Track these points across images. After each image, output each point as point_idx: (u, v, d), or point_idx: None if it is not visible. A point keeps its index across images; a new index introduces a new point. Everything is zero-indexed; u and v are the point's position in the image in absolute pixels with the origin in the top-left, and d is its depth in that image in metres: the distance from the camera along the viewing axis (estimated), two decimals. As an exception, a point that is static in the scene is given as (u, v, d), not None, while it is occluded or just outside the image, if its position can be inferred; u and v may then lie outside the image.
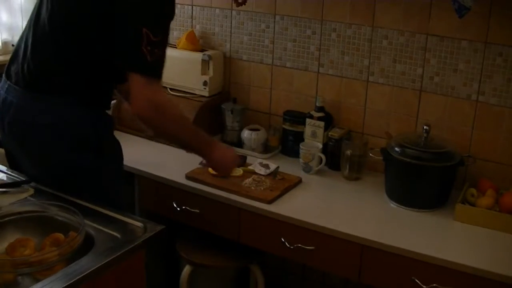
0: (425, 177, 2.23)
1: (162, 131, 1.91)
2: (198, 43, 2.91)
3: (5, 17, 3.28)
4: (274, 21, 2.68)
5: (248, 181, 2.34)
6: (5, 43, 3.30)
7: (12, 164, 2.03)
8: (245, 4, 2.40)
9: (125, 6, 1.67)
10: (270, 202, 2.21)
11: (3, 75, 1.95)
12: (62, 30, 1.78)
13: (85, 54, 1.79)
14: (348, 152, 2.46)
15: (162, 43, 1.72)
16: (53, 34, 1.80)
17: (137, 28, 1.66)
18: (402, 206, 2.25)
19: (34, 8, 1.90)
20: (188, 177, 2.38)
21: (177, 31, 3.02)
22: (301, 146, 2.53)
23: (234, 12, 2.77)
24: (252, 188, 2.30)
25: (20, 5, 3.33)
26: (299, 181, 2.41)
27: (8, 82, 1.90)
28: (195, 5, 2.95)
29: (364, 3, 2.41)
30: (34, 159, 1.90)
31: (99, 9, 1.71)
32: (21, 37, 1.92)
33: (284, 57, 2.70)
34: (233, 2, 2.42)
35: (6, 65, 1.95)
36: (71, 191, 1.82)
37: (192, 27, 2.98)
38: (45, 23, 1.81)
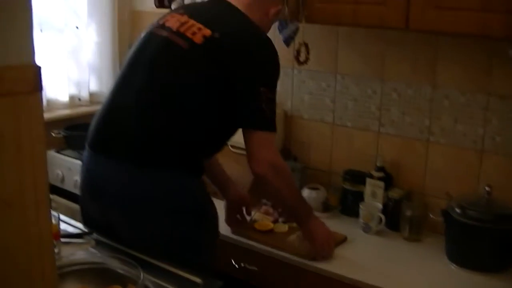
0: (487, 239, 2.37)
1: (274, 190, 2.19)
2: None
3: (73, 73, 3.64)
4: (335, 80, 2.94)
5: (292, 237, 2.53)
6: (72, 98, 3.69)
7: (87, 222, 2.26)
8: (306, 63, 2.65)
9: (246, 71, 2.04)
10: (313, 259, 2.41)
11: (89, 146, 2.20)
12: (176, 100, 2.04)
13: (198, 123, 2.07)
14: (408, 212, 2.63)
15: (275, 99, 2.12)
16: (166, 105, 2.05)
17: (258, 88, 2.04)
18: (463, 269, 2.38)
19: (123, 76, 2.17)
20: (233, 231, 2.63)
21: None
22: (360, 206, 2.71)
23: (295, 71, 3.05)
24: (296, 244, 2.48)
25: (88, 61, 3.69)
26: (344, 239, 2.59)
27: (102, 154, 2.12)
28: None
29: (425, 63, 2.64)
30: (136, 228, 2.10)
31: (216, 76, 2.03)
32: (110, 107, 2.15)
33: (344, 116, 2.94)
34: (294, 60, 2.67)
35: (92, 136, 2.20)
36: (171, 259, 1.96)
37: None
38: (153, 95, 2.06)
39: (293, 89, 3.14)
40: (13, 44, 1.04)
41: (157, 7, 3.63)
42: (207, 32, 2.05)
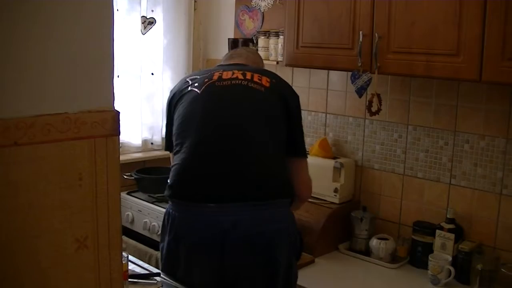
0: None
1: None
2: (330, 150, 3.43)
3: (147, 117, 3.98)
4: (407, 131, 3.16)
5: None
6: (144, 141, 4.00)
7: (170, 269, 2.52)
8: (378, 114, 2.89)
9: (295, 104, 2.60)
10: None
11: (174, 197, 2.50)
12: (268, 140, 2.50)
13: (281, 153, 2.54)
14: (479, 266, 2.78)
15: None
16: (262, 146, 2.48)
17: (301, 119, 2.62)
18: (534, 325, 2.49)
19: (202, 125, 2.48)
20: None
21: (310, 138, 3.57)
22: (430, 258, 2.88)
23: (367, 121, 3.29)
24: None
25: (162, 107, 4.03)
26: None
27: (204, 203, 2.41)
28: (329, 113, 3.51)
29: (499, 115, 2.83)
30: (256, 263, 2.43)
31: (282, 108, 2.55)
32: (199, 156, 2.46)
33: (415, 167, 3.14)
34: (366, 111, 2.91)
35: (170, 187, 2.49)
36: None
37: (325, 135, 3.53)
38: (248, 140, 2.46)
39: (364, 139, 3.37)
40: (95, 90, 1.16)
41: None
42: (267, 78, 2.57)
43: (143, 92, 3.99)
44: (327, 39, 2.98)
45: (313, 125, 3.62)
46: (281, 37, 3.45)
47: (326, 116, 3.56)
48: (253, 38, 3.81)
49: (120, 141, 3.54)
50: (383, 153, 3.30)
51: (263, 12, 3.83)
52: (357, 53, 2.79)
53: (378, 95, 2.87)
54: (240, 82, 2.52)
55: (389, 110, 3.21)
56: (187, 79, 2.63)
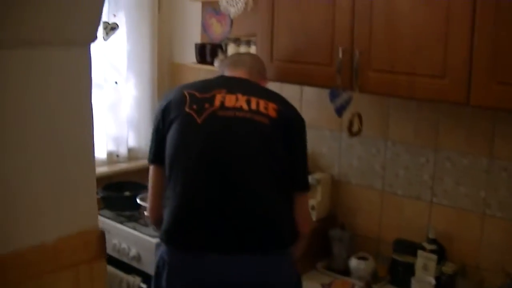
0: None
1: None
2: (305, 164, 3.26)
3: (112, 128, 3.79)
4: (386, 146, 3.03)
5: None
6: (109, 154, 3.81)
7: None
8: (359, 135, 2.76)
9: (302, 136, 2.46)
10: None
11: (170, 244, 2.35)
12: (273, 184, 2.34)
13: (286, 198, 2.40)
14: (463, 288, 2.67)
15: None
16: (266, 193, 2.32)
17: (306, 152, 2.47)
18: None
19: (200, 162, 2.32)
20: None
21: (283, 150, 3.40)
22: (412, 281, 2.79)
23: (343, 134, 3.14)
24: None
25: (127, 116, 3.83)
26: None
27: (203, 253, 2.28)
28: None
29: (481, 134, 2.71)
30: None
31: (290, 143, 2.38)
32: (194, 200, 2.32)
33: (395, 183, 3.02)
34: (347, 131, 2.76)
35: (167, 231, 2.35)
36: None
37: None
38: (249, 177, 2.30)
39: (340, 153, 3.23)
40: (75, 210, 1.03)
41: (198, 62, 3.78)
42: (274, 105, 2.36)
43: (106, 102, 3.78)
44: (304, 54, 2.81)
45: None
46: (253, 46, 3.27)
47: (300, 127, 3.40)
48: (222, 44, 3.62)
49: None
50: (361, 168, 3.16)
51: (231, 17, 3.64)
52: (336, 70, 2.64)
53: (359, 115, 2.72)
54: (244, 114, 2.32)
55: (367, 124, 3.06)
56: (185, 92, 2.40)
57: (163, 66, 4.11)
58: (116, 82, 3.83)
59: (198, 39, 3.93)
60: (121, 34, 3.79)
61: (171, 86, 4.16)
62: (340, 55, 2.62)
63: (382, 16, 2.51)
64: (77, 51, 1.17)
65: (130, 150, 3.92)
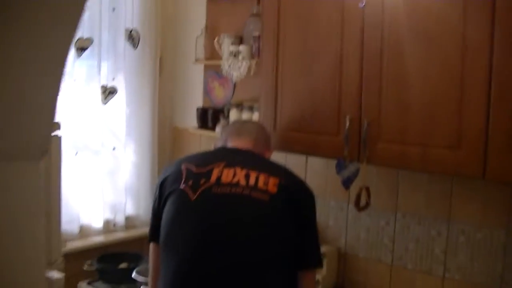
0: None
1: None
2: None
3: (109, 196, 3.64)
4: (395, 218, 2.87)
5: None
6: (106, 222, 3.65)
7: None
8: (367, 209, 2.60)
9: (310, 210, 2.27)
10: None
11: None
12: (271, 255, 2.14)
13: (288, 278, 2.19)
14: None
15: None
16: (257, 273, 2.11)
17: (316, 226, 2.29)
18: None
19: (190, 242, 2.13)
20: None
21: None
22: None
23: (350, 205, 2.98)
24: None
25: (125, 183, 3.69)
26: None
27: None
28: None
29: (498, 206, 2.55)
30: None
31: (293, 220, 2.18)
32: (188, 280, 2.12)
33: (405, 257, 2.86)
34: (354, 206, 2.61)
35: None
36: None
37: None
38: (246, 256, 2.10)
39: (347, 225, 3.07)
40: None
41: (199, 127, 3.67)
42: (275, 180, 2.18)
43: (104, 168, 3.65)
44: (309, 123, 2.69)
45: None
46: (256, 112, 3.14)
47: (304, 196, 3.25)
48: (224, 109, 3.51)
49: (80, 224, 3.24)
50: (369, 241, 3.00)
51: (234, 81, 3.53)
52: (343, 140, 2.50)
53: (367, 188, 2.57)
54: (241, 191, 2.15)
55: (375, 195, 2.91)
56: (182, 166, 2.28)
57: (164, 131, 4.00)
58: (114, 148, 3.70)
59: (200, 103, 3.83)
60: (120, 98, 3.69)
61: (173, 152, 4.05)
62: (348, 124, 2.49)
63: (392, 83, 2.39)
64: (26, 166, 1.04)
65: (127, 218, 3.76)
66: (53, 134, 2.68)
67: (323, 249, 2.98)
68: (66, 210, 3.45)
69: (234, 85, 3.57)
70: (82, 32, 3.46)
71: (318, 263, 2.25)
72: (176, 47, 4.02)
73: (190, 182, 2.20)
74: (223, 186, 2.16)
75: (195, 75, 3.88)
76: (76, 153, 3.50)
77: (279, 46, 2.79)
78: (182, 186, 2.21)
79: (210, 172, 2.21)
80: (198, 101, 3.85)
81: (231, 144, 2.47)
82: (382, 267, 2.95)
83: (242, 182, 2.16)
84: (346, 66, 2.54)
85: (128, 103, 3.74)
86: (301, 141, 2.73)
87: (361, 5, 2.44)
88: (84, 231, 3.55)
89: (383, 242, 2.95)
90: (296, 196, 2.20)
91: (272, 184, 2.16)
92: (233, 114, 3.37)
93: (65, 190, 3.45)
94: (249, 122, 2.83)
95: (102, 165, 3.63)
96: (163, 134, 3.98)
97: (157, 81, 3.88)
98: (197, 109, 3.68)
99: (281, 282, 2.14)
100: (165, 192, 2.26)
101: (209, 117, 3.60)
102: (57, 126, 2.66)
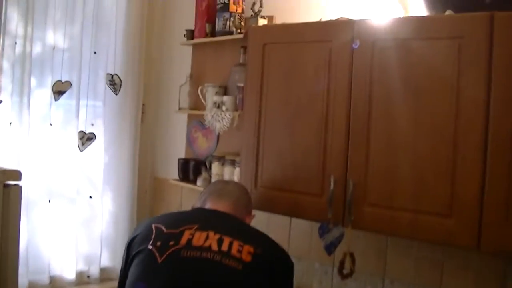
0: None
1: None
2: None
3: (83, 246, 3.46)
4: (383, 285, 2.67)
5: None
6: (80, 274, 3.47)
7: None
8: (351, 277, 2.39)
9: (287, 282, 2.11)
10: None
11: None
12: None
13: None
14: None
15: None
16: None
17: None
18: None
19: None
20: None
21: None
22: None
23: (335, 269, 2.75)
24: None
25: (101, 233, 3.51)
26: None
27: None
28: (291, 255, 2.98)
29: (492, 275, 2.37)
30: None
31: None
32: None
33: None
34: (338, 273, 2.41)
35: None
36: None
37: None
38: None
39: (332, 291, 2.87)
40: None
41: (180, 180, 3.49)
42: (250, 248, 2.02)
43: (79, 217, 3.45)
44: (292, 182, 2.50)
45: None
46: (238, 168, 2.96)
47: (288, 257, 3.04)
48: (206, 161, 3.32)
49: (51, 275, 3.02)
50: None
51: (218, 133, 3.36)
52: (327, 202, 2.32)
53: (352, 254, 2.37)
54: (212, 256, 1.96)
55: (361, 259, 2.71)
56: (153, 226, 2.12)
57: (144, 180, 3.81)
58: (90, 197, 3.51)
59: (182, 154, 3.65)
60: (98, 144, 3.51)
61: (153, 201, 3.86)
62: (332, 185, 2.31)
63: (380, 141, 2.22)
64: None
65: (102, 270, 3.54)
66: (13, 183, 2.52)
67: (305, 316, 2.78)
68: (35, 260, 3.27)
69: (218, 137, 3.40)
70: (60, 74, 3.30)
71: None
72: (159, 94, 3.87)
73: (159, 243, 2.03)
74: (193, 250, 1.98)
75: (178, 124, 3.71)
76: (49, 200, 3.30)
77: (262, 98, 2.62)
78: (150, 246, 2.04)
79: (181, 234, 2.04)
80: (180, 151, 3.67)
81: (209, 205, 2.32)
82: None
83: (214, 247, 1.98)
84: (332, 121, 2.37)
85: (106, 149, 3.56)
86: (282, 201, 2.54)
87: (354, 46, 2.28)
88: (55, 282, 3.34)
89: (370, 313, 2.74)
90: (271, 266, 2.04)
91: (246, 252, 1.99)
92: (215, 168, 3.19)
93: (35, 238, 3.27)
94: (231, 183, 2.62)
95: (77, 214, 3.43)
96: (143, 184, 3.80)
97: (139, 128, 3.70)
98: (179, 160, 3.50)
99: None
100: (132, 252, 2.10)
101: (190, 169, 3.41)
102: (16, 175, 2.48)
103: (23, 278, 3.22)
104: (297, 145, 2.48)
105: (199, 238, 2.01)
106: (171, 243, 2.01)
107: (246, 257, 1.97)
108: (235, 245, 2.00)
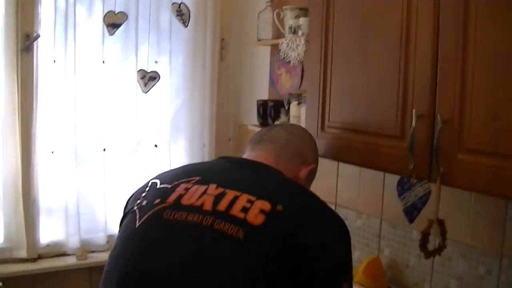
0: None
1: None
2: (383, 277, 2.27)
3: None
4: (500, 265, 1.92)
5: None
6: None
7: None
8: (439, 255, 1.68)
9: (326, 258, 1.37)
10: None
11: None
12: None
13: None
14: None
15: None
16: None
17: (341, 285, 1.36)
18: None
19: None
20: None
21: (359, 251, 2.40)
22: None
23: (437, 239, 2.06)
24: None
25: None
26: None
27: None
28: (385, 220, 2.32)
29: None
30: None
31: (286, 269, 1.30)
32: None
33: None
34: (420, 249, 1.71)
35: None
36: None
37: (378, 251, 2.33)
38: None
39: (433, 267, 2.16)
40: None
41: (260, 125, 2.89)
42: (265, 204, 1.34)
43: (140, 169, 3.00)
44: (365, 121, 1.83)
45: (362, 234, 2.44)
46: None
47: (381, 223, 2.37)
48: (285, 102, 2.70)
49: (108, 234, 2.47)
50: (464, 294, 2.07)
51: (302, 66, 2.71)
52: (408, 147, 1.62)
53: (441, 223, 1.66)
54: (200, 220, 1.34)
55: (471, 228, 1.99)
56: (150, 181, 1.56)
57: (226, 127, 3.26)
58: (156, 145, 3.02)
59: (265, 95, 3.05)
60: (164, 86, 3.00)
61: (238, 153, 3.30)
62: (414, 122, 1.61)
63: (482, 62, 1.47)
64: None
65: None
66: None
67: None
68: (88, 217, 2.87)
69: (302, 72, 2.76)
70: (113, 4, 2.80)
71: None
72: (240, 26, 3.26)
73: (144, 202, 1.46)
74: (179, 210, 1.39)
75: (262, 61, 3.10)
76: (104, 149, 2.88)
77: (329, 20, 1.96)
78: (135, 207, 1.48)
79: (173, 189, 1.46)
80: (263, 92, 3.07)
81: (245, 156, 1.71)
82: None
83: (207, 206, 1.36)
84: (414, 38, 1.65)
85: (177, 91, 3.07)
86: (354, 146, 1.87)
87: None
88: (113, 243, 2.90)
89: (484, 298, 2.01)
90: (299, 233, 1.33)
91: (256, 210, 1.33)
92: (293, 109, 2.57)
93: (87, 193, 2.86)
94: (283, 126, 1.93)
95: (138, 165, 2.98)
96: (225, 132, 3.26)
97: (216, 67, 3.14)
98: (257, 102, 2.91)
99: None
100: (123, 214, 1.57)
101: (269, 112, 2.81)
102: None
103: (73, 236, 2.84)
104: (370, 75, 1.79)
105: (192, 194, 1.41)
106: (157, 201, 1.43)
107: (255, 218, 1.31)
108: (241, 200, 1.35)
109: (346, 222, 2.41)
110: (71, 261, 2.86)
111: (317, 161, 1.81)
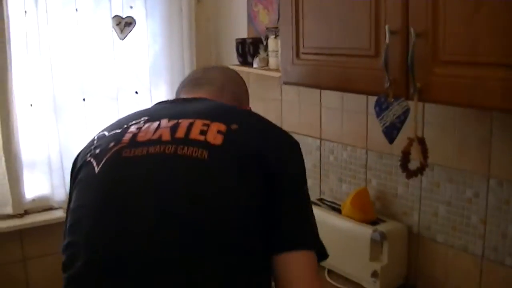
0: None
1: None
2: (371, 208, 2.23)
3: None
4: (487, 187, 1.87)
5: None
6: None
7: None
8: (421, 174, 1.63)
9: (287, 164, 1.39)
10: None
11: None
12: (214, 233, 1.28)
13: (245, 259, 1.32)
14: None
15: None
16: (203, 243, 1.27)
17: (304, 188, 1.42)
18: None
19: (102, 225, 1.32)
20: None
21: (346, 184, 2.35)
22: None
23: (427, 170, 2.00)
24: None
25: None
26: None
27: None
28: (370, 150, 2.27)
29: None
30: None
31: (253, 182, 1.33)
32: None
33: (502, 248, 1.85)
34: (401, 169, 1.65)
35: None
36: None
37: (365, 182, 2.28)
38: (181, 236, 1.26)
39: (421, 194, 2.11)
40: None
41: (240, 64, 2.82)
42: (221, 126, 1.36)
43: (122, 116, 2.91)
44: (339, 42, 1.75)
45: (348, 167, 2.39)
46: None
47: (367, 153, 2.31)
48: (263, 38, 2.62)
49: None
50: (451, 219, 2.02)
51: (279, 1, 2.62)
52: (383, 64, 1.55)
53: (421, 141, 1.60)
54: (162, 149, 1.32)
55: (457, 151, 1.94)
56: (95, 136, 1.51)
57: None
58: (136, 92, 2.95)
59: (245, 33, 2.96)
60: (140, 31, 2.91)
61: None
62: (388, 39, 1.53)
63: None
64: None
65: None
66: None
67: (385, 228, 2.09)
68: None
69: (279, 7, 2.67)
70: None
71: (311, 244, 1.36)
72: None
73: (98, 150, 1.41)
74: (138, 147, 1.34)
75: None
76: (84, 99, 2.80)
77: None
78: (88, 157, 1.42)
79: (124, 131, 1.41)
80: (243, 32, 2.98)
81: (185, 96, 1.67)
82: (469, 259, 1.96)
83: (166, 136, 1.33)
84: None
85: (154, 36, 2.97)
86: (329, 70, 1.80)
87: None
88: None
89: (470, 222, 1.95)
90: (258, 148, 1.35)
91: (214, 131, 1.34)
92: (271, 43, 2.49)
93: (69, 145, 2.80)
94: (217, 68, 1.88)
95: (120, 113, 2.89)
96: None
97: (193, 9, 3.04)
98: (236, 40, 2.82)
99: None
100: (75, 170, 1.49)
101: (247, 50, 2.73)
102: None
103: (59, 189, 2.79)
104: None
105: (147, 131, 1.37)
106: (111, 145, 1.38)
107: (215, 139, 1.31)
108: (197, 125, 1.34)
109: (332, 156, 2.38)
110: (58, 214, 2.82)
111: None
